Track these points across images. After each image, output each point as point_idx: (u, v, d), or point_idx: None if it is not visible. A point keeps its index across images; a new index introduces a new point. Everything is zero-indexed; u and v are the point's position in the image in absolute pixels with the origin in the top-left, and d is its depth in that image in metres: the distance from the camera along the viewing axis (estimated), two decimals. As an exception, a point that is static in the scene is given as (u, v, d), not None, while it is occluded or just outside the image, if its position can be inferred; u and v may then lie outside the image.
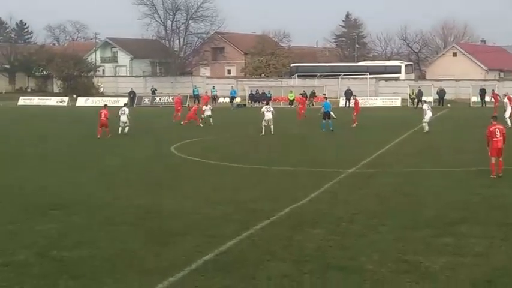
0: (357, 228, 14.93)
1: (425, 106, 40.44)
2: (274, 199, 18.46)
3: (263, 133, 37.93)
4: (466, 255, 12.63)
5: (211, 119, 45.77)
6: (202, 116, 45.82)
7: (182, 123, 45.66)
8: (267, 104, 43.22)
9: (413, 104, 70.03)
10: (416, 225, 15.11)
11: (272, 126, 38.24)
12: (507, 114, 42.00)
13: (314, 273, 11.57)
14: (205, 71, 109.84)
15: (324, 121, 41.16)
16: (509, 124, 39.84)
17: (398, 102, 74.69)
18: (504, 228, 14.78)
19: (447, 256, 12.51)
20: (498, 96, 57.62)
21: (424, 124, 38.91)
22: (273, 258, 12.48)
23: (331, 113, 41.51)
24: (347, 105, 69.14)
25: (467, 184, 21.05)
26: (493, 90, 63.53)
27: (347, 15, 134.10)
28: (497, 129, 22.44)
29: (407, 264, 11.98)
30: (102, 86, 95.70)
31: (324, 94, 57.53)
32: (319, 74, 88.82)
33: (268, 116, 38.44)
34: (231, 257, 12.65)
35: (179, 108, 50.03)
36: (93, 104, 74.00)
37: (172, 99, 79.49)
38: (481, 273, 11.43)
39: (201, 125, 44.28)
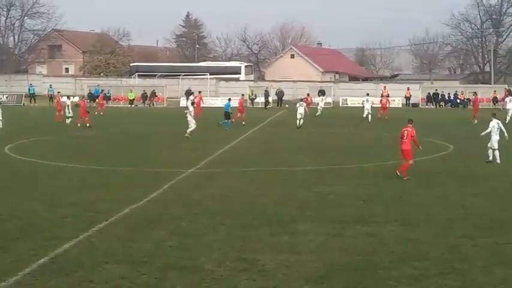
0: (197, 228, 14.96)
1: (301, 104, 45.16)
2: (113, 200, 18.16)
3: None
4: (302, 252, 12.96)
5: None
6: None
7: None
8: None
9: (253, 105, 71.46)
10: (255, 224, 15.35)
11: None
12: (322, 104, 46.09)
13: (152, 274, 11.49)
14: (42, 69, 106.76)
15: (226, 121, 43.29)
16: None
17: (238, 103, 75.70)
18: (338, 225, 15.31)
19: (284, 254, 12.79)
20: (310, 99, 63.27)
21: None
22: (110, 260, 12.27)
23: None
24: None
25: (305, 183, 21.62)
26: (308, 94, 66.67)
27: (187, 15, 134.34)
28: (405, 131, 22.80)
29: (245, 263, 12.14)
30: None
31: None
32: (159, 73, 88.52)
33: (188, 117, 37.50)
34: (68, 260, 12.32)
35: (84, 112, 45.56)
36: None
37: (7, 98, 76.72)
38: (315, 270, 11.76)
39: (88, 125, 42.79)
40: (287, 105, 69.82)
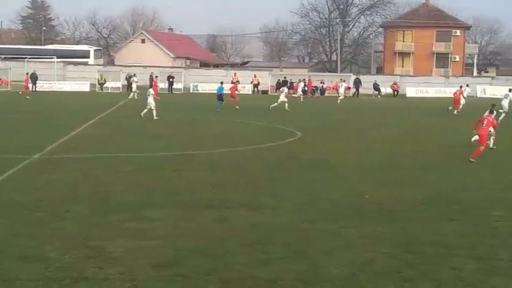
0: (41, 216, 14.49)
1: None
2: (-48, 187, 17.31)
3: None
4: (151, 238, 12.85)
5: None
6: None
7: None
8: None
9: (102, 90, 70.05)
10: (103, 211, 15.06)
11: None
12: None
13: (-7, 265, 11.05)
14: None
15: (219, 102, 47.67)
16: None
17: (86, 87, 74.31)
18: (187, 210, 15.29)
19: (132, 240, 12.63)
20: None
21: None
22: None
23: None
24: (34, 89, 67.78)
25: (156, 168, 21.47)
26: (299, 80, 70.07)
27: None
28: (485, 120, 25.15)
29: (92, 250, 11.88)
30: None
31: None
32: (3, 56, 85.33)
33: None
34: None
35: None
36: None
37: None
38: (163, 255, 11.68)
39: None
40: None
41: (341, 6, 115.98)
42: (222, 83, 52.15)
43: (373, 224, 14.27)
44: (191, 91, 76.02)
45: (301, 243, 12.71)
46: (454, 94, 53.36)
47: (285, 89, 53.84)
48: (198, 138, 30.64)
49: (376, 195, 17.58)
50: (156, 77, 64.85)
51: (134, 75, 65.88)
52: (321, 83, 77.69)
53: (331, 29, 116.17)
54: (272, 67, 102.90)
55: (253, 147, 27.50)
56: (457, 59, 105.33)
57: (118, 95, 65.92)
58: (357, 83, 75.90)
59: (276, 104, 48.55)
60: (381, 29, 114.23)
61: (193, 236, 13.12)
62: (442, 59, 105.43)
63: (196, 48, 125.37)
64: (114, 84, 75.06)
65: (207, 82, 78.38)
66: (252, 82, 78.10)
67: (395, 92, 77.67)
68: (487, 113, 26.18)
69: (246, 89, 77.41)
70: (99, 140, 28.87)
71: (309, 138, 31.38)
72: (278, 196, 17.28)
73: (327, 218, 14.78)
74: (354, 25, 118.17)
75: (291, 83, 75.80)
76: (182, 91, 72.51)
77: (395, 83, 79.54)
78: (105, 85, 75.12)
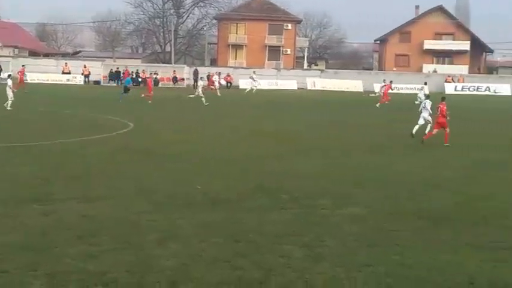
0: None
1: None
2: None
3: None
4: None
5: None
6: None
7: None
8: None
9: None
10: None
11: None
12: None
13: None
14: None
15: (124, 93, 50.13)
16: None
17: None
18: (11, 204, 14.74)
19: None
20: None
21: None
22: None
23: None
24: None
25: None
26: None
27: None
28: (438, 108, 26.86)
29: None
30: None
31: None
32: None
33: None
34: None
35: None
36: None
37: None
38: (-13, 252, 11.20)
39: None
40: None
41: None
42: (131, 77, 58.70)
43: (204, 214, 14.34)
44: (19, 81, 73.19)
45: (133, 235, 12.55)
46: (381, 88, 54.78)
47: (202, 83, 53.42)
48: (27, 129, 29.63)
49: (208, 185, 17.69)
50: (23, 66, 63.77)
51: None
52: (155, 74, 77.28)
53: (165, 19, 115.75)
54: (105, 57, 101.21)
55: (85, 138, 26.93)
56: (289, 52, 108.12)
57: None
58: (196, 75, 76.07)
59: (193, 95, 50.80)
60: (214, 21, 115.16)
61: (18, 231, 12.63)
62: (274, 52, 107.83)
63: (25, 36, 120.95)
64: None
65: (37, 72, 75.91)
66: (82, 73, 76.52)
67: (229, 84, 78.68)
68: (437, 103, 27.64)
69: (77, 79, 75.81)
70: None
71: (142, 129, 31.14)
72: (110, 188, 16.99)
73: (159, 209, 14.69)
74: (188, 16, 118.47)
75: (123, 73, 74.89)
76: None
77: (228, 75, 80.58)
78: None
